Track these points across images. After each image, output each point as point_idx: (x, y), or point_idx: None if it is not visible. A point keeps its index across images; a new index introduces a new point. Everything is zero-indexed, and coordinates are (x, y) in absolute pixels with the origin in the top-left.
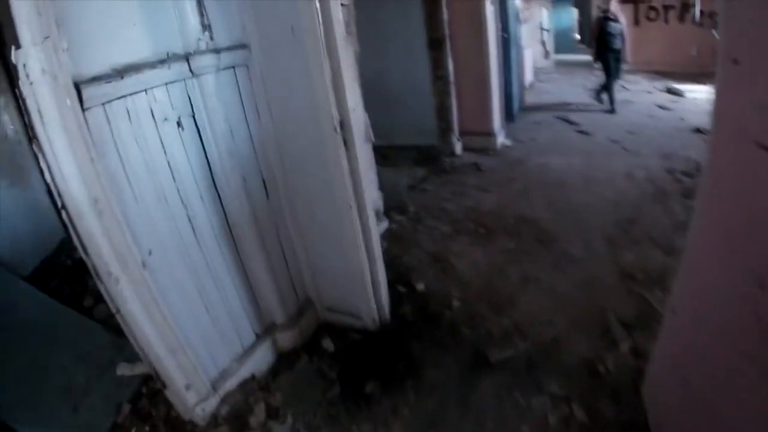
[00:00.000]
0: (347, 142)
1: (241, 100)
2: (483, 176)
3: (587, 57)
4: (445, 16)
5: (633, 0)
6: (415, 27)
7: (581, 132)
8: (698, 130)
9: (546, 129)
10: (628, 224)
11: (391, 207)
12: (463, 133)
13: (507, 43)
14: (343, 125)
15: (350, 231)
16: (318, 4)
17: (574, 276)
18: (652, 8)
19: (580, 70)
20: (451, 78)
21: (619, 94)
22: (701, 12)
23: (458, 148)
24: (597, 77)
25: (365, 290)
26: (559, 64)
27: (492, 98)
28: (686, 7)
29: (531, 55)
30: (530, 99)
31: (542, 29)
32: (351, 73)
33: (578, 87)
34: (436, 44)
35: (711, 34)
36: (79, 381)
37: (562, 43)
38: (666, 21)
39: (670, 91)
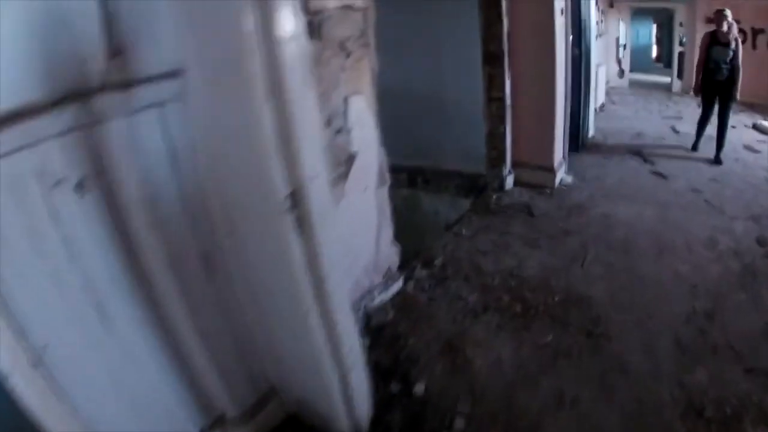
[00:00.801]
0: (304, 224)
1: (171, 151)
2: (533, 224)
3: (665, 78)
4: (505, 26)
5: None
6: (472, 37)
7: (657, 174)
8: None
9: (616, 166)
10: (705, 321)
11: (417, 253)
12: (516, 165)
13: (578, 60)
14: (297, 201)
15: (312, 340)
16: (258, 19)
17: (624, 400)
18: (740, 30)
19: (656, 93)
20: (508, 100)
21: (688, 126)
22: None
23: (509, 181)
24: (674, 104)
25: (332, 400)
26: (634, 84)
27: (555, 127)
28: None
29: (604, 73)
30: (601, 123)
31: (619, 45)
32: (315, 123)
33: (654, 113)
34: (492, 59)
35: None
36: None
37: (638, 60)
38: (754, 46)
39: (758, 128)
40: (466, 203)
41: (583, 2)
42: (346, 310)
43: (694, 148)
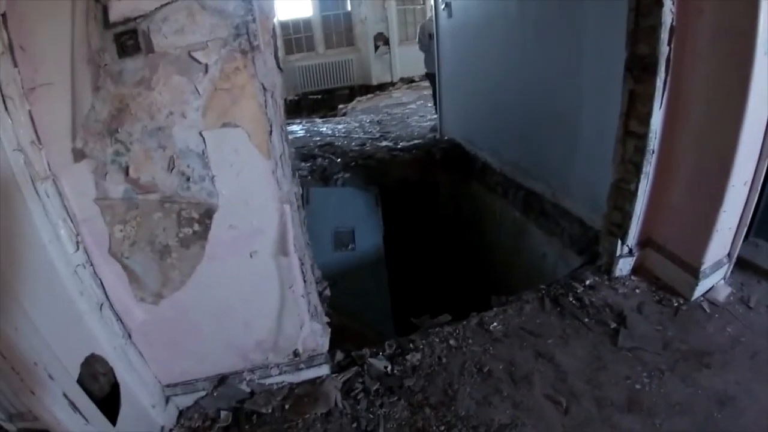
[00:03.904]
0: None
1: None
2: (603, 357)
3: None
4: (668, 17)
5: None
6: (616, 42)
7: None
8: None
9: None
10: None
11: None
12: (646, 244)
13: None
14: None
15: None
16: None
17: None
18: None
19: None
20: (655, 139)
21: None
22: None
23: (623, 266)
24: None
25: None
26: None
27: (723, 202)
28: None
29: None
30: None
31: None
32: None
33: None
34: (639, 68)
35: None
36: None
37: None
38: None
39: None
40: (577, 261)
41: None
42: None
43: None
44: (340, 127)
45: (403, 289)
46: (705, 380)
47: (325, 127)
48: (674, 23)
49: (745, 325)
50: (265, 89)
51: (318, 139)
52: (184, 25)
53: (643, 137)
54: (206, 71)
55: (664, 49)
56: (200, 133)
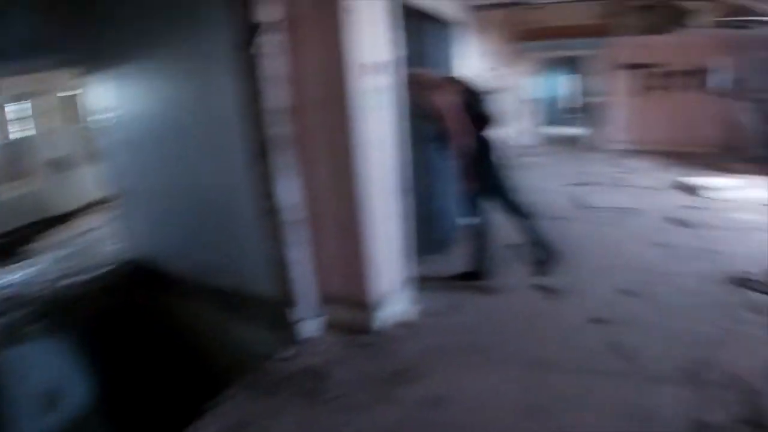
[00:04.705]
0: None
1: None
2: (310, 419)
3: (581, 131)
4: (280, 96)
5: (633, 66)
6: (243, 127)
7: (543, 289)
8: (745, 284)
9: (497, 278)
10: None
11: None
12: (329, 300)
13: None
14: None
15: None
16: None
17: None
18: (657, 75)
19: (570, 149)
20: (297, 210)
21: (600, 195)
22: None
23: (313, 327)
24: (589, 163)
25: None
26: (547, 140)
27: (364, 244)
28: (700, 74)
29: (514, 134)
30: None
31: (526, 100)
32: None
33: (566, 177)
34: (263, 151)
35: (736, 106)
36: None
37: (551, 113)
38: (674, 90)
39: (684, 188)
40: (271, 337)
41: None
42: None
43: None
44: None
45: None
46: (411, 393)
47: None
48: (293, 102)
49: (433, 332)
50: None
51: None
52: None
53: (283, 210)
54: None
55: (285, 130)
56: None
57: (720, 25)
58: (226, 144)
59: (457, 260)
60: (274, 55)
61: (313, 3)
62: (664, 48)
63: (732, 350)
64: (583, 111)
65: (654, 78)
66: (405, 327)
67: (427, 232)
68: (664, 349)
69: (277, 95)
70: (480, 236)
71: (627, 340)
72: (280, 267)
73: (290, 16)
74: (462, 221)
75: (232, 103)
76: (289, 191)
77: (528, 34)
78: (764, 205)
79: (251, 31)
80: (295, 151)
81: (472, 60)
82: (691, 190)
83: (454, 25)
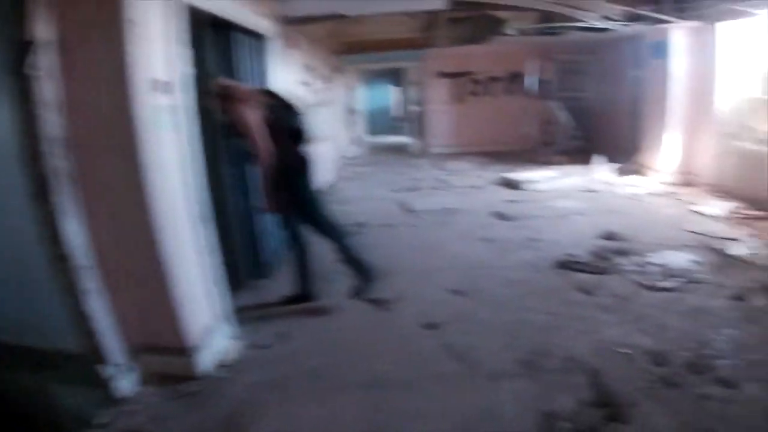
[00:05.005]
0: None
1: None
2: None
3: (406, 139)
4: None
5: (453, 74)
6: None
7: (373, 302)
8: (570, 266)
9: (325, 297)
10: None
11: None
12: (144, 349)
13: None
14: None
15: None
16: None
17: None
18: (476, 81)
19: (397, 157)
20: (86, 257)
21: (426, 198)
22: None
23: (128, 383)
24: (415, 169)
25: None
26: (374, 149)
27: (172, 277)
28: (515, 78)
29: (335, 148)
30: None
31: (352, 111)
32: None
33: (392, 184)
34: (43, 192)
35: (548, 105)
36: None
37: (378, 123)
38: (493, 95)
39: (506, 184)
40: (87, 401)
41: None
42: None
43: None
44: None
45: None
46: None
47: None
48: (70, 133)
49: (262, 367)
50: None
51: None
52: None
53: (74, 254)
54: None
55: (68, 162)
56: None
57: (533, 32)
58: (2, 181)
59: (284, 283)
60: (51, 77)
61: (95, 16)
62: (483, 56)
63: (567, 333)
64: (408, 120)
65: (475, 84)
66: (231, 366)
67: (252, 256)
68: (500, 343)
69: (56, 122)
70: (301, 256)
71: (461, 340)
72: (81, 319)
73: (68, 31)
74: (283, 242)
75: (6, 132)
76: (77, 233)
77: (350, 47)
78: (580, 191)
79: (23, 49)
80: (80, 186)
81: (290, 74)
82: (513, 185)
83: (270, 38)
